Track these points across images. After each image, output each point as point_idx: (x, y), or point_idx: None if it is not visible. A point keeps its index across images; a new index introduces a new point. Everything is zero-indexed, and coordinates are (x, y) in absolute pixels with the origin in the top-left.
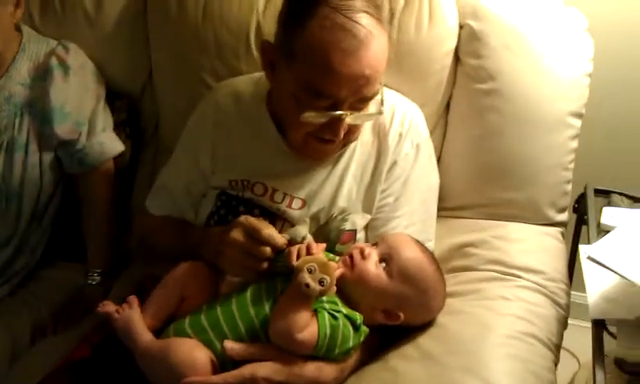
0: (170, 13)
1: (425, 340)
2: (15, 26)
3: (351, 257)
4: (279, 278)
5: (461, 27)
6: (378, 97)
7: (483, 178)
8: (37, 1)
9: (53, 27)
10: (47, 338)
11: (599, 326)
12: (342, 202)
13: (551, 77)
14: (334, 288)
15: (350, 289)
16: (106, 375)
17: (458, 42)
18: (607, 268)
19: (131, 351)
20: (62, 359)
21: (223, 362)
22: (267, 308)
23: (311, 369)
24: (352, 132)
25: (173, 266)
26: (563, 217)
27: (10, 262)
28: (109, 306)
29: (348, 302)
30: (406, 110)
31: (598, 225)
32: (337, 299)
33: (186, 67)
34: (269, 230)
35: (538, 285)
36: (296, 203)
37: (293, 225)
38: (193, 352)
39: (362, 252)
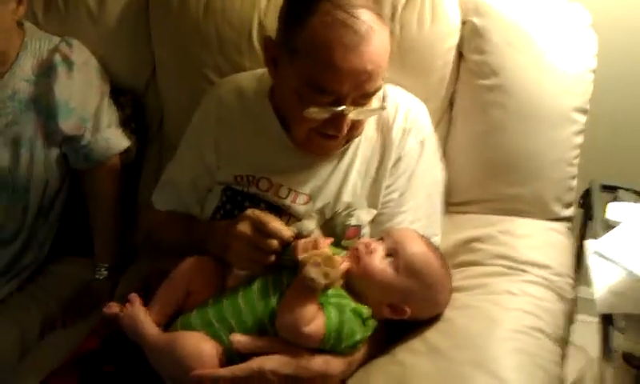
0: (172, 9)
1: (432, 334)
2: (17, 23)
3: (357, 251)
4: (286, 271)
5: (463, 23)
6: (381, 92)
7: (488, 174)
8: None
9: (56, 24)
10: (56, 331)
11: (607, 320)
12: (346, 198)
13: (554, 73)
14: (340, 281)
15: (356, 283)
16: (115, 367)
17: (461, 38)
18: (614, 263)
19: (139, 346)
20: (71, 352)
21: (230, 356)
22: (274, 301)
23: (319, 362)
24: (355, 127)
25: (179, 260)
26: (569, 212)
27: (19, 256)
28: (114, 308)
29: (355, 296)
30: (410, 105)
31: (604, 220)
32: (344, 293)
33: (189, 63)
34: (276, 223)
35: (544, 279)
36: (301, 199)
37: (299, 220)
38: (200, 345)
39: (367, 247)
